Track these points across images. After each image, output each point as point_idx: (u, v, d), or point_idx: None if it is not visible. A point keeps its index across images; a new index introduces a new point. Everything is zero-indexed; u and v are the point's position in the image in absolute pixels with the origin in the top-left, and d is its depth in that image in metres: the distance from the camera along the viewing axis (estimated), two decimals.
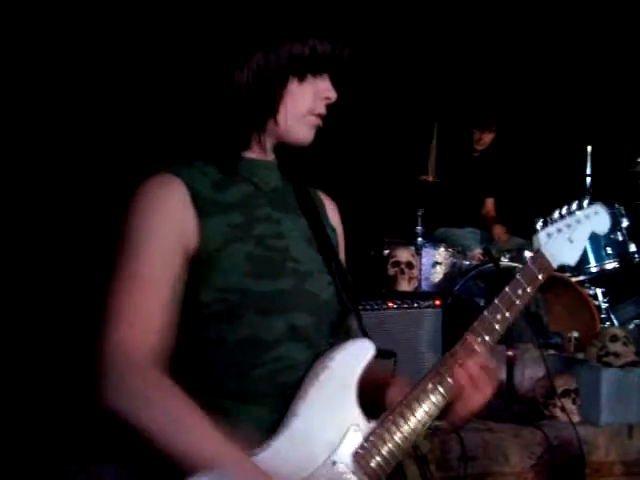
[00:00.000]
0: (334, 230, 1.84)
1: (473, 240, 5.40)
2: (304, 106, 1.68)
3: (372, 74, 5.06)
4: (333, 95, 1.71)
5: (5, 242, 3.83)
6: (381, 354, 1.65)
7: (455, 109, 5.69)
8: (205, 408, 1.48)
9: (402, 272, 4.45)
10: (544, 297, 4.46)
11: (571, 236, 1.79)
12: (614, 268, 4.88)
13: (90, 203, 3.93)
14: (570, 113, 6.01)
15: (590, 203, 1.83)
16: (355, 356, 1.60)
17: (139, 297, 1.53)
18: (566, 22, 5.92)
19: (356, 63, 1.75)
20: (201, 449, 1.45)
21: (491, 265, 4.56)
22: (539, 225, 1.78)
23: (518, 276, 1.71)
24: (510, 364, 3.74)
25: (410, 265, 4.48)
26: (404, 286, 4.45)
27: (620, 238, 4.87)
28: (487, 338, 1.66)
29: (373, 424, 1.58)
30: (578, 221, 1.81)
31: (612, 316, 4.99)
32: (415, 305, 3.74)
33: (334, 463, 1.54)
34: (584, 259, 4.83)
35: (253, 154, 1.71)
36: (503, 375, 3.70)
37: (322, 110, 1.70)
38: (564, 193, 2.06)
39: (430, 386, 1.62)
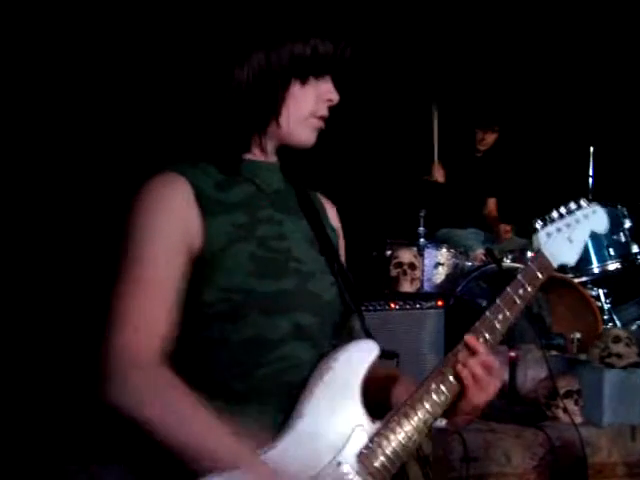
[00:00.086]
0: (334, 232, 1.84)
1: (475, 241, 5.40)
2: (306, 109, 1.68)
3: (375, 75, 5.06)
4: (335, 97, 1.70)
5: (8, 242, 3.83)
6: (384, 355, 1.65)
7: (458, 109, 5.69)
8: (209, 408, 1.48)
9: (404, 273, 4.45)
10: (546, 298, 4.46)
11: (570, 235, 1.80)
12: (616, 269, 4.88)
13: (95, 204, 3.93)
14: (572, 114, 6.01)
15: (588, 202, 1.84)
16: (359, 357, 1.60)
17: (144, 300, 1.53)
18: (569, 22, 5.92)
19: (358, 64, 1.74)
20: (204, 439, 1.46)
21: (493, 266, 4.56)
22: (538, 225, 1.79)
23: (519, 276, 1.72)
24: (512, 365, 3.73)
25: (412, 266, 4.48)
26: (406, 287, 4.44)
27: (623, 239, 4.87)
28: (489, 338, 1.66)
29: (378, 424, 1.58)
30: (577, 220, 1.82)
31: (615, 317, 4.98)
32: (417, 306, 3.73)
33: (339, 464, 1.54)
34: (586, 260, 4.83)
35: (255, 156, 1.71)
36: (505, 376, 3.69)
37: (324, 112, 1.70)
38: (566, 194, 2.06)
39: (433, 386, 1.61)
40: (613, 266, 4.87)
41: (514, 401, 3.69)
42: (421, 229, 4.86)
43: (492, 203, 5.80)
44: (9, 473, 2.72)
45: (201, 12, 3.84)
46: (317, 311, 1.66)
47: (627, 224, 4.89)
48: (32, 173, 4.01)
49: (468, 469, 3.17)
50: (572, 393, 3.53)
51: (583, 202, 1.83)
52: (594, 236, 4.82)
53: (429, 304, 3.76)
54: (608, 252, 4.84)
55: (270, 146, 1.72)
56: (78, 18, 4.11)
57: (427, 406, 1.60)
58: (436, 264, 4.86)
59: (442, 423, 1.69)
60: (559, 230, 1.79)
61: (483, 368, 1.61)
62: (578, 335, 4.10)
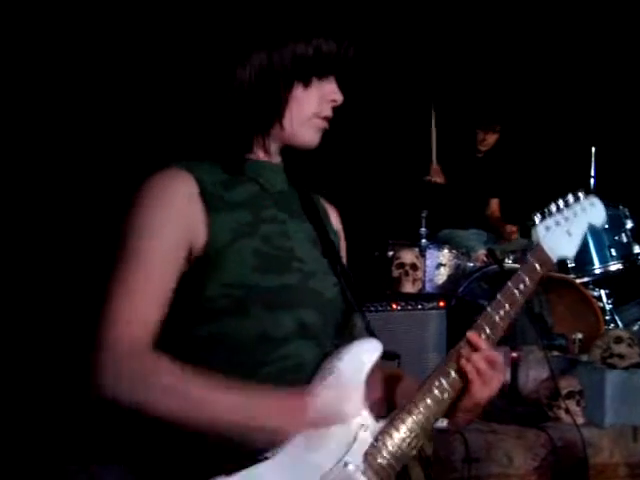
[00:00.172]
0: (336, 235, 1.84)
1: (477, 242, 5.39)
2: (310, 110, 1.68)
3: (376, 75, 5.06)
4: (339, 97, 1.70)
5: (6, 237, 3.82)
6: (385, 356, 1.64)
7: (458, 110, 5.69)
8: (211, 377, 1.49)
9: (406, 274, 4.45)
10: (548, 298, 4.45)
11: (569, 229, 1.80)
12: (618, 269, 4.88)
13: (97, 202, 3.93)
14: (574, 114, 6.00)
15: (586, 195, 1.84)
16: (362, 356, 1.60)
17: (138, 295, 1.53)
18: (570, 23, 5.91)
19: (361, 64, 1.74)
20: (232, 411, 1.47)
21: (495, 267, 4.56)
22: (537, 218, 1.79)
23: (519, 271, 1.72)
24: (514, 365, 3.73)
25: (414, 267, 4.48)
26: (408, 288, 4.44)
27: (624, 240, 4.87)
28: (491, 333, 1.65)
29: (382, 423, 1.58)
30: (575, 214, 1.82)
31: (616, 317, 4.98)
32: (419, 307, 3.73)
33: (345, 464, 1.53)
34: (588, 261, 4.83)
35: (258, 156, 1.71)
36: (507, 376, 3.69)
37: (328, 113, 1.70)
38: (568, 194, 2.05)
39: (437, 383, 1.61)
40: (615, 267, 4.87)
41: (516, 402, 3.69)
42: (423, 230, 4.86)
43: (495, 204, 5.80)
44: (9, 473, 2.72)
45: (204, 12, 3.84)
46: (320, 309, 1.66)
47: (629, 225, 4.89)
48: (34, 173, 4.01)
49: (470, 470, 3.16)
50: (574, 394, 3.53)
51: (581, 195, 1.83)
52: (596, 237, 4.85)
53: (431, 305, 3.76)
54: (610, 253, 4.84)
55: (274, 147, 1.72)
56: (87, 21, 4.12)
57: (431, 403, 1.60)
58: (438, 265, 4.86)
59: (443, 424, 1.68)
60: (558, 223, 1.79)
61: (487, 362, 1.61)
62: (580, 336, 4.10)
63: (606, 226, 4.71)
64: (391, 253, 4.65)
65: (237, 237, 1.59)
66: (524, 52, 5.96)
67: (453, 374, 1.62)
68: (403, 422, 1.58)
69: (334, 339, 1.70)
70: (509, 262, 4.76)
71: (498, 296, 1.69)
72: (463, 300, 4.35)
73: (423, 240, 4.85)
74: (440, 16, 5.77)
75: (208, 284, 1.56)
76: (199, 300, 1.56)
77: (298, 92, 1.66)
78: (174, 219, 1.57)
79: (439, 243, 5.04)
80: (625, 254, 4.87)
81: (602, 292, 5.06)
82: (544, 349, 3.71)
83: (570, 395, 3.52)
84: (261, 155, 1.71)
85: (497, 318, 1.67)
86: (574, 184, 1.94)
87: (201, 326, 1.57)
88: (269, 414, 1.48)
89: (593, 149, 5.25)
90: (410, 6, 5.59)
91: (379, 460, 1.55)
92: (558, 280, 4.53)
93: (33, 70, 4.04)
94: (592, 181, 5.20)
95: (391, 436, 1.56)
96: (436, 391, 1.60)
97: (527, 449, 3.32)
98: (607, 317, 4.92)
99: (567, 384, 3.55)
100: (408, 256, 4.50)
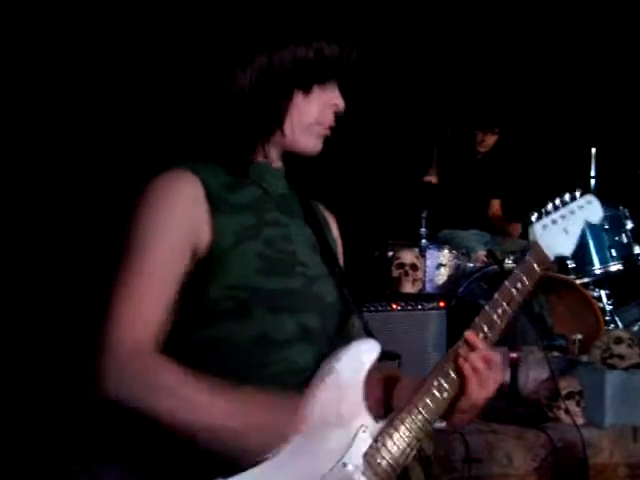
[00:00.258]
0: (334, 242, 1.85)
1: (477, 242, 5.39)
2: (311, 117, 1.68)
3: (376, 77, 5.06)
4: (341, 104, 1.70)
5: (8, 237, 3.83)
6: (385, 356, 1.65)
7: (458, 111, 5.69)
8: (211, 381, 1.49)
9: (406, 274, 4.45)
10: (548, 299, 4.45)
11: (566, 227, 1.81)
12: (618, 270, 4.88)
13: (100, 205, 3.94)
14: (574, 115, 6.01)
15: (583, 193, 1.85)
16: (361, 357, 1.60)
17: (142, 296, 1.53)
18: (570, 24, 5.92)
19: (362, 67, 1.74)
20: (231, 416, 1.47)
21: (495, 267, 4.56)
22: (534, 217, 1.79)
23: (517, 270, 1.72)
24: (514, 366, 3.73)
25: (414, 267, 4.48)
26: (408, 288, 4.44)
27: (625, 240, 4.87)
28: (489, 333, 1.66)
29: (381, 424, 1.58)
30: (572, 212, 1.82)
31: (616, 318, 4.98)
32: (419, 307, 3.73)
33: (345, 465, 1.53)
34: (588, 261, 4.83)
35: (261, 159, 1.71)
36: (507, 377, 3.69)
37: (330, 119, 1.70)
38: None
39: (435, 383, 1.61)
40: (615, 267, 4.86)
41: (516, 402, 3.69)
42: (423, 230, 4.87)
43: (496, 204, 5.80)
44: (11, 473, 2.72)
45: (207, 15, 3.85)
46: (321, 313, 1.67)
47: (629, 225, 4.89)
48: (39, 175, 4.02)
49: (470, 470, 3.16)
50: (574, 394, 3.53)
51: (577, 193, 1.84)
52: (596, 237, 4.85)
53: (431, 305, 3.76)
54: (610, 253, 4.84)
55: (274, 153, 1.72)
56: (94, 24, 4.12)
57: (430, 403, 1.60)
58: (438, 265, 4.86)
59: (442, 424, 1.69)
60: (554, 222, 1.79)
61: (484, 362, 1.61)
62: (580, 336, 4.09)
63: (606, 227, 4.72)
64: (391, 253, 4.65)
65: (241, 239, 1.59)
66: (523, 54, 5.96)
67: (451, 374, 1.62)
68: (402, 422, 1.58)
69: (333, 341, 1.70)
70: (509, 262, 4.75)
71: (496, 295, 1.69)
72: (463, 300, 4.35)
73: (423, 240, 4.85)
74: (440, 17, 5.77)
75: (211, 286, 1.56)
76: (201, 302, 1.56)
77: (299, 99, 1.66)
78: (178, 220, 1.57)
79: (439, 243, 5.04)
80: (625, 255, 4.87)
81: (602, 293, 5.05)
82: (544, 349, 3.71)
83: (570, 395, 3.52)
84: (263, 159, 1.71)
85: (495, 317, 1.67)
86: (574, 185, 1.94)
87: (204, 329, 1.57)
88: (268, 415, 1.49)
89: (593, 150, 5.25)
90: (410, 8, 5.59)
91: (379, 460, 1.55)
92: (558, 281, 4.53)
93: (42, 74, 4.05)
94: (592, 182, 5.20)
95: (391, 436, 1.57)
96: (435, 391, 1.61)
97: (527, 449, 3.33)
98: (607, 318, 4.91)
99: (567, 384, 3.55)
100: (408, 256, 4.50)
